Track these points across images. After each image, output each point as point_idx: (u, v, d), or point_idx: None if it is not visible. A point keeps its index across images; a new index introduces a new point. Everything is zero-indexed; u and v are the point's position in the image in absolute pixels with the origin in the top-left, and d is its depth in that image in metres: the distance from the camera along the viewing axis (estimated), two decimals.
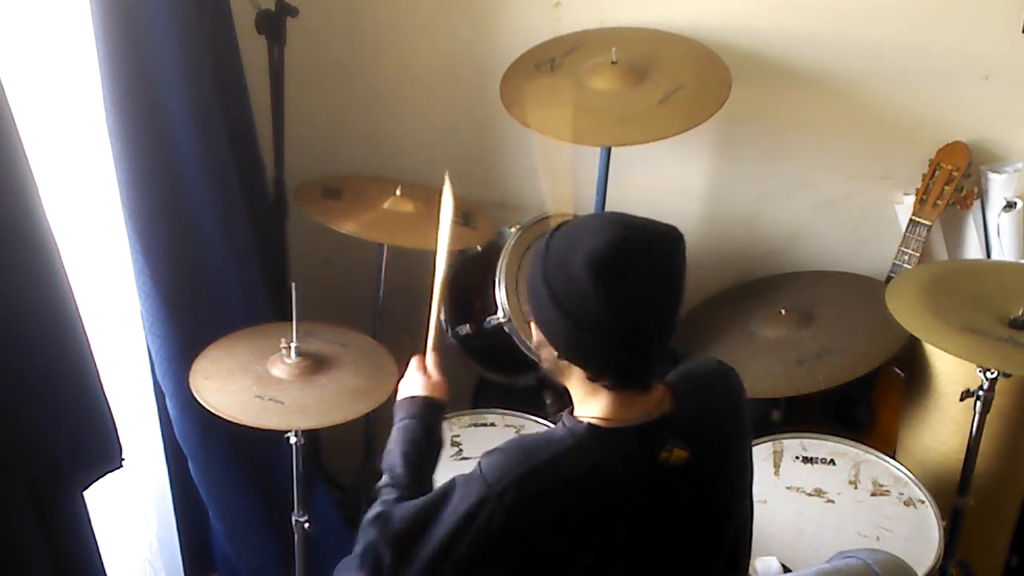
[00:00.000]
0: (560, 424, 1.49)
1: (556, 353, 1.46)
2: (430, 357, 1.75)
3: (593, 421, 1.46)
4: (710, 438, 1.50)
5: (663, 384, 1.51)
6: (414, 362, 1.74)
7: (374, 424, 2.62)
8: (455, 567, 1.39)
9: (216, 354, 2.13)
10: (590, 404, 1.48)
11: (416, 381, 1.70)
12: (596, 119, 2.37)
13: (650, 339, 1.43)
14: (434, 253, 1.83)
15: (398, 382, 1.76)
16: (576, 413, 1.50)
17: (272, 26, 2.37)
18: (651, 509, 1.46)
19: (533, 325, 1.49)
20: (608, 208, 2.56)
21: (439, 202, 1.90)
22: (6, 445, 1.73)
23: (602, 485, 1.43)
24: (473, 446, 2.27)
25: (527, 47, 2.53)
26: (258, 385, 2.04)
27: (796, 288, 2.68)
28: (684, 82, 2.40)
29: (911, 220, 2.56)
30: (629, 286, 1.39)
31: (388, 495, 1.54)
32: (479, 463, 1.43)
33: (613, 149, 2.50)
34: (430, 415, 1.66)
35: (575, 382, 1.49)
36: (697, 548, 1.54)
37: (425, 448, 1.62)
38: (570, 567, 1.43)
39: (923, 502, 2.16)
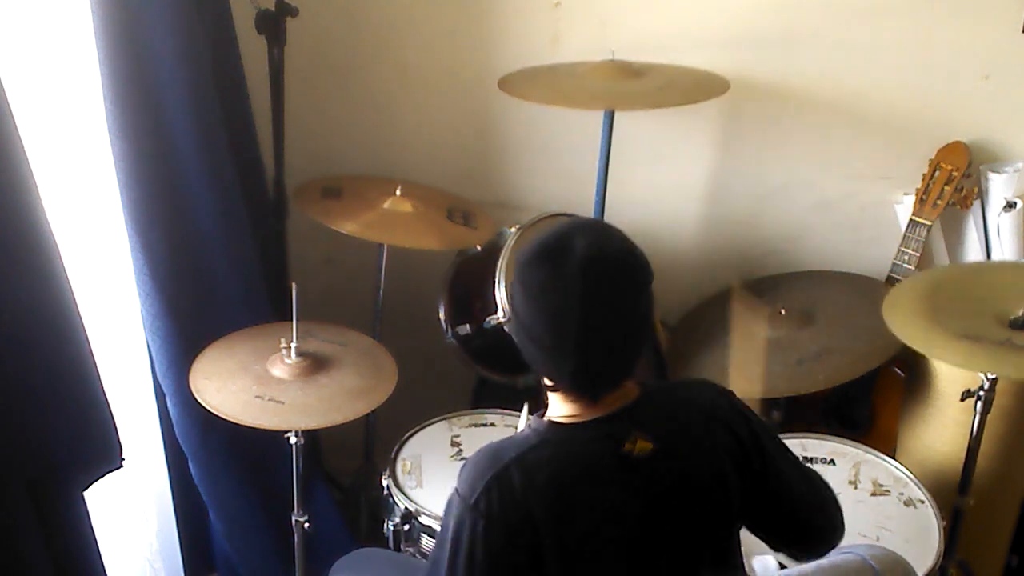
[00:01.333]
0: (526, 426, 1.53)
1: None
2: None
3: (556, 418, 1.50)
4: (678, 431, 1.51)
5: (633, 383, 1.52)
6: None
7: (374, 424, 2.62)
8: None
9: (216, 354, 2.13)
10: (558, 405, 1.52)
11: None
12: (595, 89, 2.37)
13: (583, 355, 1.43)
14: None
15: (397, 384, 1.78)
16: (548, 414, 1.53)
17: (272, 26, 2.37)
18: (622, 502, 1.48)
19: None
20: (608, 208, 2.56)
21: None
22: (6, 445, 1.73)
23: (570, 479, 1.45)
24: (473, 446, 2.26)
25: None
26: (258, 385, 2.04)
27: (796, 288, 2.68)
28: (682, 83, 2.40)
29: (911, 220, 2.56)
30: (549, 301, 1.42)
31: None
32: (456, 481, 1.48)
33: (613, 149, 2.49)
34: None
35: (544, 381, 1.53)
36: (678, 540, 1.53)
37: None
38: (551, 563, 1.44)
39: (923, 502, 2.16)
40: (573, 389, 1.48)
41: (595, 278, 1.41)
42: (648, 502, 1.49)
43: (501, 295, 2.33)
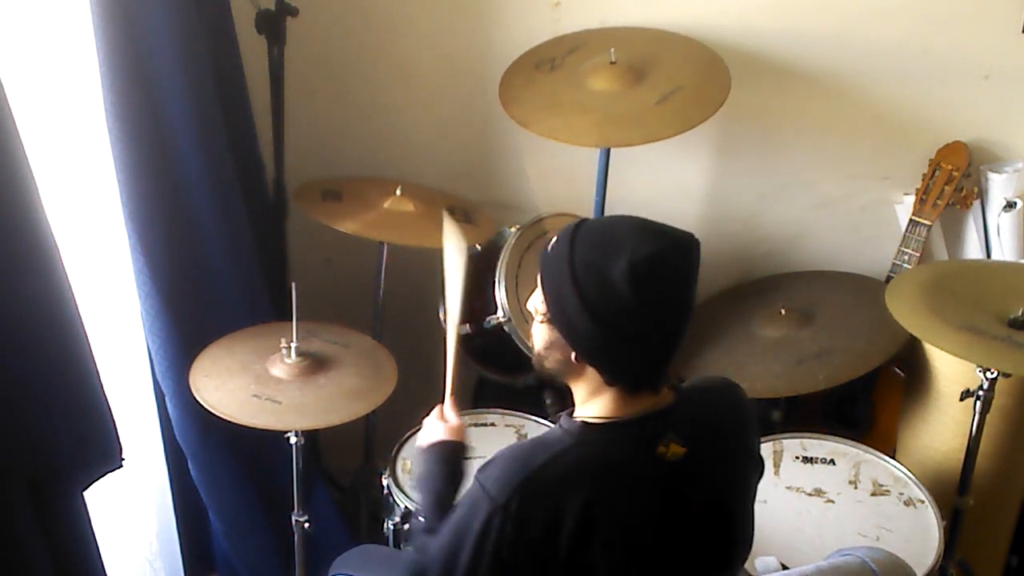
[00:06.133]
0: (556, 426, 1.51)
1: (573, 356, 1.46)
2: (449, 403, 1.79)
3: (588, 420, 1.48)
4: (710, 437, 1.51)
5: (667, 384, 1.53)
6: (435, 411, 1.78)
7: (374, 425, 2.62)
8: None
9: (216, 353, 2.13)
10: (594, 403, 1.49)
11: (437, 428, 1.74)
12: (592, 120, 2.37)
13: (676, 343, 1.47)
14: (442, 276, 1.87)
15: (397, 384, 1.77)
16: (577, 413, 1.51)
17: (272, 26, 2.38)
18: (655, 505, 1.47)
19: (546, 327, 1.49)
20: (608, 208, 2.56)
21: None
22: (6, 445, 1.73)
23: (603, 481, 1.44)
24: (474, 446, 2.26)
25: (527, 47, 2.53)
26: (256, 384, 2.04)
27: (796, 288, 2.68)
28: (683, 84, 2.39)
29: (911, 220, 2.56)
30: (668, 297, 1.42)
31: (420, 538, 1.60)
32: (477, 479, 1.46)
33: (613, 149, 2.50)
34: (453, 459, 1.70)
35: (584, 383, 1.50)
36: (708, 546, 1.54)
37: (449, 491, 1.66)
38: (582, 564, 1.43)
39: (923, 502, 2.16)
40: (645, 381, 1.48)
41: (691, 268, 1.43)
42: (682, 506, 1.49)
43: (501, 295, 2.33)
